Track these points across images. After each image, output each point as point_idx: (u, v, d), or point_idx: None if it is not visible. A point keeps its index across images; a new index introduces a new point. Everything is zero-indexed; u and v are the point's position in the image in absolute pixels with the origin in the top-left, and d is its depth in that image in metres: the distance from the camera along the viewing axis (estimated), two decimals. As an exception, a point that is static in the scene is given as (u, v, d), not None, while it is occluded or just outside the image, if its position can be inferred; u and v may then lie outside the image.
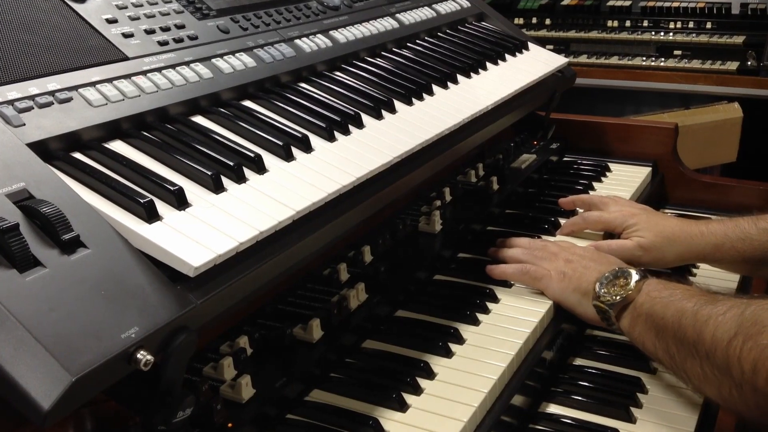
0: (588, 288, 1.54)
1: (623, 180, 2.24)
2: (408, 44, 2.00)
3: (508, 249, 1.74)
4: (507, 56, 2.15)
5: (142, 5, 1.46)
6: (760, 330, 1.19)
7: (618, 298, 1.48)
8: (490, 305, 1.57)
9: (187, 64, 1.41)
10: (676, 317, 1.35)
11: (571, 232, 1.88)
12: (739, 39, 4.32)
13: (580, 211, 1.94)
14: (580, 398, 1.48)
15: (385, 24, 1.96)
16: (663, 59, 4.50)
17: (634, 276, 1.48)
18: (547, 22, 4.93)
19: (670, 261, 1.77)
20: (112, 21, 1.38)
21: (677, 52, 4.50)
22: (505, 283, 1.65)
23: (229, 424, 1.18)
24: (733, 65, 4.26)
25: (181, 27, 1.48)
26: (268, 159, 1.30)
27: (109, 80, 1.28)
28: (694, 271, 1.99)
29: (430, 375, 1.36)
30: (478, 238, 1.88)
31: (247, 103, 1.47)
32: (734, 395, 1.24)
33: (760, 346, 1.18)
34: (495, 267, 1.69)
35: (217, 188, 1.18)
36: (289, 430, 1.25)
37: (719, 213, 2.17)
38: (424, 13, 2.14)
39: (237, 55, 1.51)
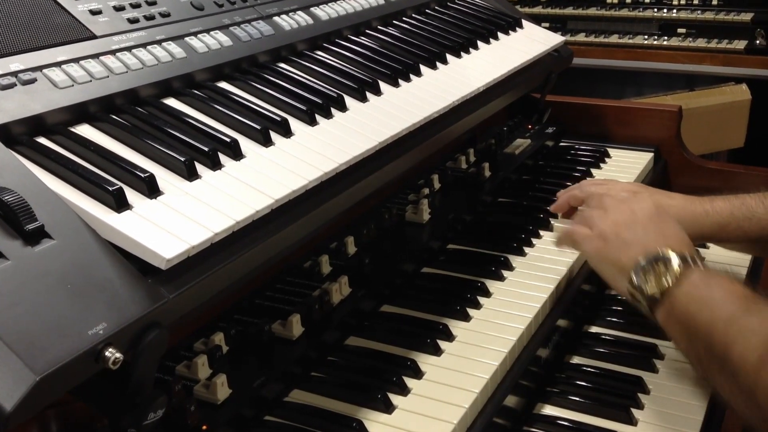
0: (626, 265, 1.43)
1: (624, 166, 2.25)
2: (394, 21, 2.01)
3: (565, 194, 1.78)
4: (500, 34, 2.15)
5: (109, -21, 1.46)
6: None
7: (654, 290, 1.36)
8: (481, 300, 1.57)
9: (158, 43, 1.41)
10: (708, 326, 1.26)
11: (568, 205, 1.82)
12: (747, 16, 4.33)
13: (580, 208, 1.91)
14: (577, 399, 1.50)
15: (370, 0, 1.96)
16: (666, 38, 4.51)
17: (674, 264, 1.36)
18: (543, -3, 4.93)
19: None
20: (78, -4, 1.38)
21: (681, 30, 4.51)
22: (498, 276, 1.66)
23: (204, 426, 1.19)
24: (740, 44, 4.28)
25: (152, 3, 1.48)
26: (245, 144, 1.31)
27: (76, 60, 1.27)
28: (703, 252, 2.02)
29: (417, 374, 1.36)
30: (469, 228, 1.88)
31: (223, 85, 1.48)
32: (758, 421, 1.17)
33: None
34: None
35: (191, 175, 1.18)
36: (267, 433, 1.26)
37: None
38: (411, -12, 2.15)
39: (212, 33, 1.51)
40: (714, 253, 2.02)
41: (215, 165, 1.22)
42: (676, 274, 1.35)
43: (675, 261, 1.37)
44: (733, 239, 1.71)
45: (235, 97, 1.43)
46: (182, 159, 1.18)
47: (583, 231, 1.55)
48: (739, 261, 1.97)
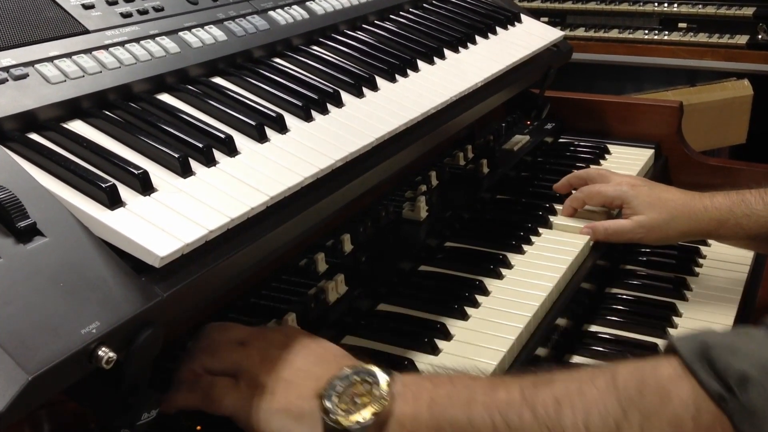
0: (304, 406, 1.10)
1: (624, 163, 2.25)
2: (391, 16, 2.01)
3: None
4: (498, 29, 2.15)
5: (102, -27, 1.46)
6: (664, 399, 0.92)
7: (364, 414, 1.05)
8: (480, 298, 1.57)
9: (152, 37, 1.41)
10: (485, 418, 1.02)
11: (574, 211, 1.89)
12: (749, 11, 4.34)
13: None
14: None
15: (367, -6, 1.96)
16: (667, 32, 4.51)
17: (376, 374, 1.11)
18: (542, -9, 4.94)
19: (673, 238, 1.81)
20: (70, -10, 1.38)
21: (682, 25, 4.51)
22: (497, 275, 1.66)
23: (198, 427, 1.19)
24: (742, 39, 4.28)
25: (145, -3, 1.48)
26: (240, 140, 1.30)
27: (68, 55, 1.27)
28: (704, 250, 2.02)
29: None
30: (467, 226, 1.89)
31: (217, 80, 1.47)
32: None
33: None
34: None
35: (185, 172, 1.18)
36: (263, 433, 1.26)
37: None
38: (408, -18, 2.15)
39: (206, 28, 1.51)
40: (716, 251, 2.02)
41: (209, 161, 1.22)
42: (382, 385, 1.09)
43: (376, 372, 1.11)
44: (732, 236, 1.72)
45: (229, 93, 1.43)
46: (176, 155, 1.18)
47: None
48: (742, 260, 1.98)
